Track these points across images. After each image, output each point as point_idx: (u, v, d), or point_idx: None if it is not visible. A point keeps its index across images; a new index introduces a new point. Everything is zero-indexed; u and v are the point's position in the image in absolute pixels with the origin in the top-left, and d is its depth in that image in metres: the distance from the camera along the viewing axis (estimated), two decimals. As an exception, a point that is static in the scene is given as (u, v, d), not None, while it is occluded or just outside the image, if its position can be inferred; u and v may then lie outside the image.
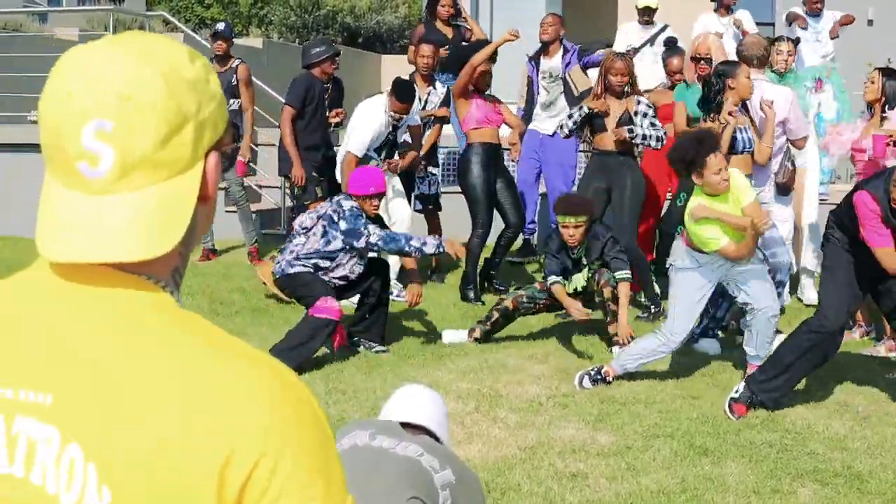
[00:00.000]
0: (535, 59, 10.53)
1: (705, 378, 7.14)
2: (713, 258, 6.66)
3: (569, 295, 7.70)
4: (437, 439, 3.79)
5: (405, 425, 3.78)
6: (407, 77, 9.67)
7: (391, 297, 8.37)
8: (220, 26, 10.95)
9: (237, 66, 10.78)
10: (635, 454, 5.72)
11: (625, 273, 7.57)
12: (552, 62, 10.39)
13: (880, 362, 7.58)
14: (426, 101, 10.02)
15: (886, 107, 8.05)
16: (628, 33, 11.77)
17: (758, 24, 12.04)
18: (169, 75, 1.36)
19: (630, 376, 7.00)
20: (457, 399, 6.57)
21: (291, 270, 7.57)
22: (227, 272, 10.35)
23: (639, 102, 8.71)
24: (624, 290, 7.54)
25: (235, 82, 10.66)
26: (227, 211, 11.17)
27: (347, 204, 7.58)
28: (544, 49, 10.44)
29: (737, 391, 6.41)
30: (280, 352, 6.96)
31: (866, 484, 5.38)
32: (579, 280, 7.77)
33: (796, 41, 9.81)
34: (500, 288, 9.54)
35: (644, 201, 8.97)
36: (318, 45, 9.97)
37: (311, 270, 7.57)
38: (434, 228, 10.17)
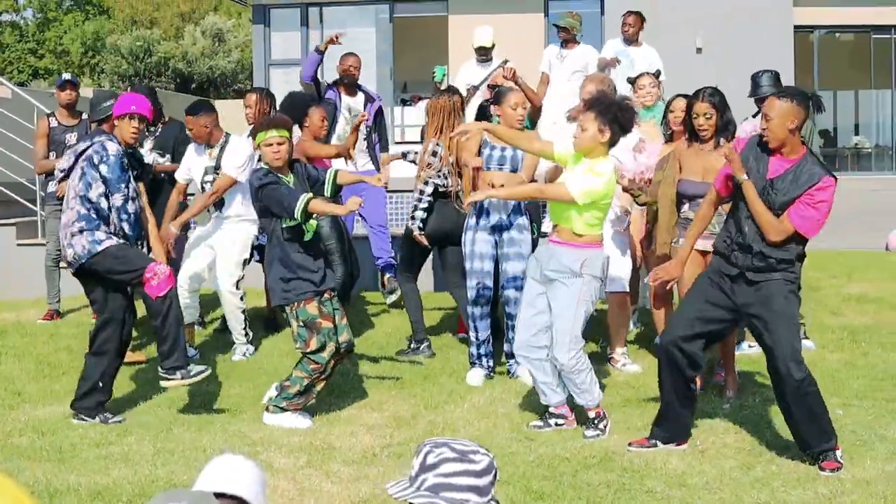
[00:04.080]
0: (337, 90, 10.32)
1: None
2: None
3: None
4: (250, 507, 3.59)
5: (219, 495, 3.58)
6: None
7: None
8: (68, 76, 10.66)
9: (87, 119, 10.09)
10: None
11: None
12: (353, 101, 10.31)
13: (715, 393, 7.57)
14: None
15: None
16: (467, 71, 11.67)
17: None
18: None
19: (468, 421, 6.87)
20: (288, 454, 6.34)
21: (98, 247, 6.99)
22: (56, 331, 9.97)
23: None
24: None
25: None
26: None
27: (112, 147, 7.10)
28: (346, 87, 10.34)
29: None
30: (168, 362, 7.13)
31: (704, 520, 5.33)
32: None
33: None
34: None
35: None
36: (106, 98, 8.64)
37: (115, 240, 7.06)
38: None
